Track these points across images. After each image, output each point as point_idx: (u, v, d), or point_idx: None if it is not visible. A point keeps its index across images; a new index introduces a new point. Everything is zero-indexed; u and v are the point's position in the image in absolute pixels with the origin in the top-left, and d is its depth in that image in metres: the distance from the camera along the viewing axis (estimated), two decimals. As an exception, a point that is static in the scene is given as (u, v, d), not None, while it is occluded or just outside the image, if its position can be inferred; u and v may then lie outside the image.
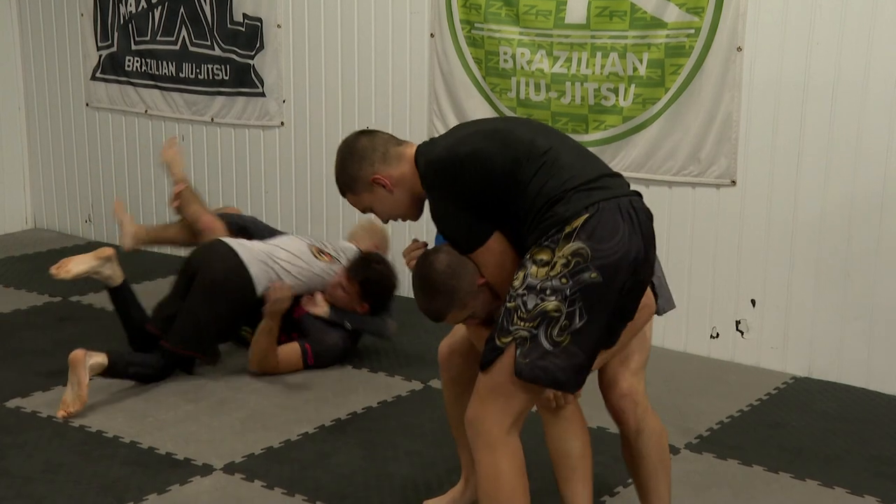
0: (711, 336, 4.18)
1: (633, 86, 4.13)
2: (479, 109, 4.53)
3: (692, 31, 3.97)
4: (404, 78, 4.78)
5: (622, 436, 2.63)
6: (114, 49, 5.65)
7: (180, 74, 5.42)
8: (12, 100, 6.14)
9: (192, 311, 3.79)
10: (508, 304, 2.22)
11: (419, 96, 4.74)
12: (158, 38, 5.46)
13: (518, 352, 2.19)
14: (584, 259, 2.16)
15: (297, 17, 5.03)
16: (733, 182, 4.02)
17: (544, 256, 2.19)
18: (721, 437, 3.42)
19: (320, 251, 4.07)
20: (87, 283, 4.37)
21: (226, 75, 5.26)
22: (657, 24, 4.03)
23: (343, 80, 4.95)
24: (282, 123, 5.17)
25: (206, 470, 3.14)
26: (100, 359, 3.57)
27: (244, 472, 3.13)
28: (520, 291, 2.20)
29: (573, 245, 2.16)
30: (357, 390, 3.80)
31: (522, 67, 4.35)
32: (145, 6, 5.45)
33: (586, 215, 2.18)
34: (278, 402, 3.69)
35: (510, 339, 2.20)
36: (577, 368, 2.21)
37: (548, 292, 2.16)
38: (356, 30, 4.87)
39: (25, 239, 6.02)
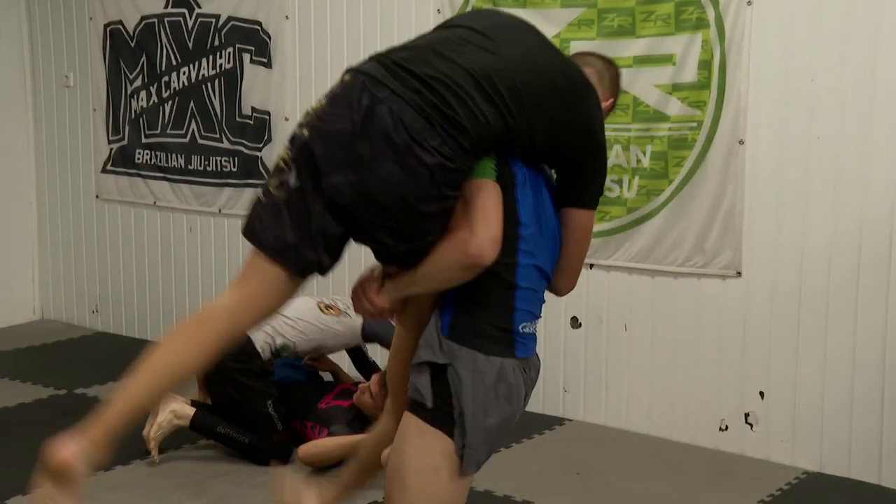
0: (720, 428, 4.12)
1: (636, 178, 4.16)
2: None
3: (694, 124, 4.02)
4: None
5: None
6: (124, 142, 5.74)
7: (189, 166, 5.49)
8: (24, 194, 6.22)
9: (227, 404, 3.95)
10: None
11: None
12: (168, 131, 5.55)
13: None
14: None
15: (304, 110, 5.10)
16: (738, 273, 4.02)
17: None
18: (732, 534, 3.34)
19: (328, 306, 4.06)
20: (90, 374, 4.36)
21: (234, 167, 5.33)
22: (660, 117, 4.08)
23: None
24: (289, 215, 5.21)
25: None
26: (187, 409, 3.80)
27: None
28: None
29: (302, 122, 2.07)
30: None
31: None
32: (156, 101, 5.56)
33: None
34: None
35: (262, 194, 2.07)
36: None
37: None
38: (362, 13, 4.86)
39: (32, 330, 6.02)
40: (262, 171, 5.23)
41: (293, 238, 1.99)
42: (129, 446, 3.93)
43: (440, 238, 2.04)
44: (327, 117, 2.01)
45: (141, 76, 5.60)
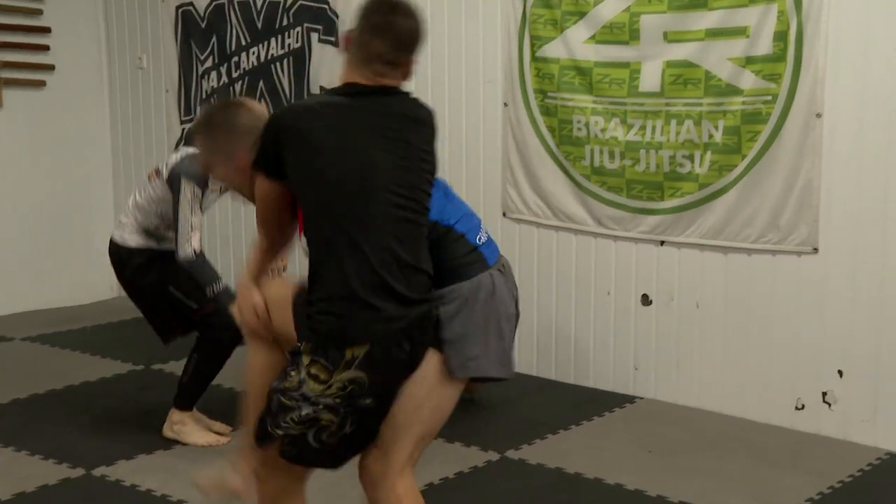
0: (796, 408, 4.05)
1: (708, 153, 4.09)
2: (552, 176, 4.53)
3: (769, 97, 3.93)
4: (478, 146, 4.81)
5: None
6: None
7: (260, 146, 5.55)
8: (101, 174, 6.36)
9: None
10: (284, 399, 2.27)
11: (493, 164, 4.77)
12: (239, 111, 5.60)
13: (285, 441, 2.33)
14: (362, 388, 2.26)
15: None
16: (815, 249, 3.93)
17: (321, 375, 2.24)
18: (808, 516, 3.29)
19: (152, 175, 3.93)
20: (167, 351, 4.46)
21: (303, 146, 5.37)
22: (733, 90, 4.00)
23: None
24: (358, 193, 5.24)
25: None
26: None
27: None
28: (296, 396, 2.26)
29: (352, 373, 2.24)
30: (433, 461, 3.76)
31: (596, 136, 4.35)
32: (226, 81, 5.62)
33: (368, 348, 2.24)
34: (352, 473, 3.66)
35: (281, 433, 2.31)
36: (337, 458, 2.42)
37: (320, 406, 2.26)
38: (429, 98, 4.91)
39: (111, 307, 6.18)
40: (331, 150, 5.27)
41: None
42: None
43: None
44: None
45: (211, 57, 5.67)
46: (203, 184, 3.75)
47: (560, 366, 4.68)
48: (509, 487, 3.53)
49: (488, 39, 4.72)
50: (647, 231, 4.33)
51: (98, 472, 3.67)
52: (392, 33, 2.29)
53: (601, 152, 4.36)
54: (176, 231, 3.75)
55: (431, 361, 2.37)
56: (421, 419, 2.41)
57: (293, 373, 2.27)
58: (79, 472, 3.65)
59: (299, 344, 2.28)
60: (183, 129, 5.90)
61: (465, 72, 4.81)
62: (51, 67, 6.03)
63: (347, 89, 2.32)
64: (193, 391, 3.92)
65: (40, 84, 6.00)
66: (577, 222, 4.54)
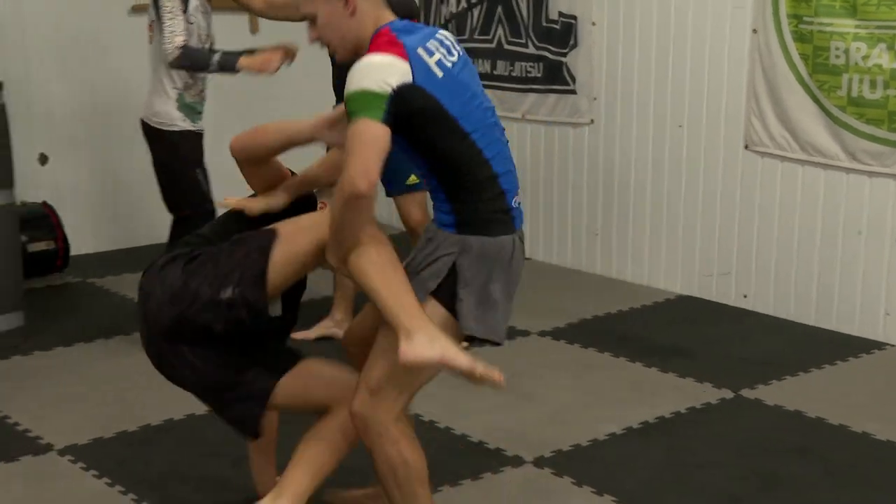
0: None
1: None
2: (801, 107, 4.30)
3: None
4: (721, 76, 4.62)
5: None
6: (433, 48, 5.91)
7: (494, 72, 5.57)
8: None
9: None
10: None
11: (736, 95, 4.57)
12: (476, 36, 5.64)
13: None
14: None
15: (612, 15, 5.01)
16: None
17: None
18: None
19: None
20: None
21: (538, 72, 5.35)
22: None
23: (656, 78, 4.87)
24: (591, 121, 5.18)
25: (517, 461, 3.21)
26: None
27: (553, 467, 3.17)
28: None
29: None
30: (664, 394, 3.74)
31: (857, 63, 4.07)
32: (465, 6, 5.65)
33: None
34: (584, 401, 3.71)
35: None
36: None
37: None
38: (671, 26, 4.77)
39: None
40: (567, 78, 5.21)
41: None
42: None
43: None
44: None
45: (451, -18, 5.71)
46: None
47: (800, 305, 4.49)
48: (744, 426, 3.46)
49: (739, -39, 4.49)
50: (908, 167, 4.05)
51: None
52: None
53: (861, 81, 4.08)
54: (161, 43, 3.92)
55: (436, 310, 2.29)
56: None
57: None
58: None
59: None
60: (419, 55, 6.00)
61: (712, -3, 4.61)
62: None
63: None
64: None
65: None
66: (827, 156, 4.30)
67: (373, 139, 2.15)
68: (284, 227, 2.41)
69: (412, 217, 4.06)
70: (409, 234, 4.13)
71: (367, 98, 2.16)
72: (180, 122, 4.06)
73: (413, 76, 2.20)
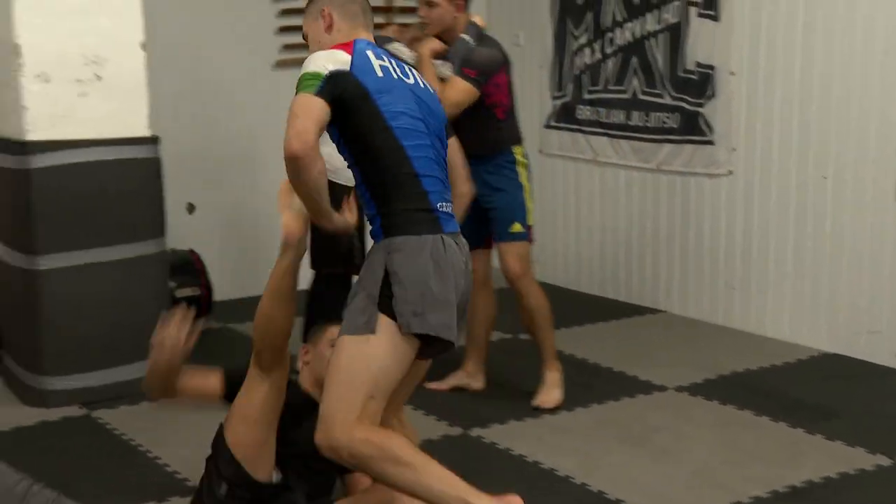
0: None
1: None
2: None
3: None
4: (868, 124, 4.47)
5: None
6: (567, 99, 5.92)
7: (629, 122, 5.54)
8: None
9: None
10: None
11: (885, 143, 4.41)
12: (610, 87, 5.63)
13: None
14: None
15: (751, 64, 4.92)
16: None
17: None
18: None
19: None
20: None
21: (675, 123, 5.29)
22: None
23: (798, 129, 4.74)
24: (730, 172, 5.08)
25: (659, 522, 3.13)
26: None
27: (695, 530, 3.07)
28: None
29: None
30: (812, 457, 3.58)
31: None
32: (600, 57, 5.66)
33: None
34: (725, 458, 3.59)
35: None
36: None
37: None
38: (814, 76, 4.65)
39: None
40: (704, 128, 5.14)
41: None
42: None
43: None
44: None
45: (586, 33, 5.73)
46: None
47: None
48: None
49: None
50: None
51: (474, 432, 3.86)
52: None
53: None
54: None
55: (389, 327, 2.42)
56: (345, 368, 2.48)
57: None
58: (456, 430, 3.87)
59: None
60: (554, 106, 6.03)
61: (860, 46, 4.47)
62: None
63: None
64: None
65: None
66: None
67: (307, 107, 2.39)
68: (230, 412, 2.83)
69: (510, 268, 4.05)
70: (509, 284, 4.13)
71: (306, 78, 2.43)
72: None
73: (351, 65, 2.45)
